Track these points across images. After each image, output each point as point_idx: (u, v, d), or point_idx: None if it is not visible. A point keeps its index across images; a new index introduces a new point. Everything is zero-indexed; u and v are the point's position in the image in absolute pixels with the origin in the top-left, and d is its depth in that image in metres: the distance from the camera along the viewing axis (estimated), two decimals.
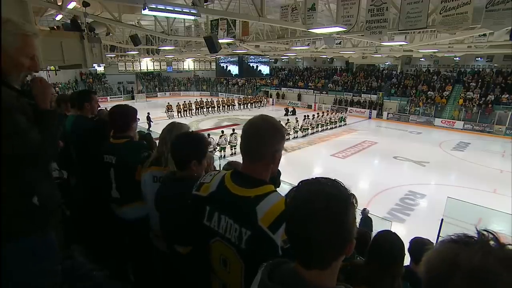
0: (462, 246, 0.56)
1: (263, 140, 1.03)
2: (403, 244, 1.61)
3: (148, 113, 18.84)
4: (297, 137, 16.73)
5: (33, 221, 1.11)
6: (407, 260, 1.84)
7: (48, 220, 1.17)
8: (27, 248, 1.09)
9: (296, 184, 0.74)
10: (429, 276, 0.59)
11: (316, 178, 0.73)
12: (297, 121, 17.13)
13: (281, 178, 2.12)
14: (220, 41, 8.88)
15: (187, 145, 1.52)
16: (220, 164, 5.52)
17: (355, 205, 0.69)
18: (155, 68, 34.43)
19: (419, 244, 2.27)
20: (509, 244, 0.55)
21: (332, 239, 0.67)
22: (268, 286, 0.73)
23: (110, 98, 29.96)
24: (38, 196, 1.11)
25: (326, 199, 0.66)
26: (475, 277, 0.53)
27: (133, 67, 32.67)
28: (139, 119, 2.34)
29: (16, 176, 1.05)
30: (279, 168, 1.87)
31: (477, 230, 0.58)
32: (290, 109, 24.43)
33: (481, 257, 0.53)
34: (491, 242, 0.56)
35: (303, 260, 0.71)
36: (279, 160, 1.10)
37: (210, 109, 24.85)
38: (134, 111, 2.19)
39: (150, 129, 17.41)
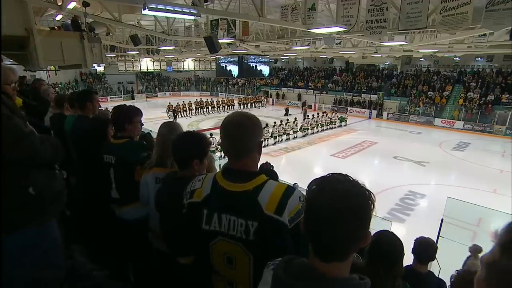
0: None
1: (247, 137, 1.07)
2: (402, 244, 1.61)
3: (173, 105, 20.76)
4: (296, 137, 16.72)
5: (29, 211, 1.07)
6: (407, 260, 1.84)
7: (46, 209, 1.14)
8: (25, 240, 1.06)
9: (313, 182, 0.74)
10: None
11: (333, 174, 0.74)
12: (295, 119, 17.08)
13: (281, 178, 2.13)
14: (220, 41, 8.87)
15: (189, 144, 1.52)
16: (220, 164, 5.50)
17: (373, 200, 0.71)
18: (155, 68, 34.45)
19: (423, 245, 2.27)
20: None
21: (357, 235, 0.69)
22: (285, 280, 0.71)
23: (110, 98, 29.94)
24: (33, 186, 1.07)
25: (352, 198, 0.68)
26: None
27: (133, 67, 32.71)
28: (142, 124, 2.31)
29: (7, 167, 1.01)
30: (276, 170, 1.90)
31: None
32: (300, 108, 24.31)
33: None
34: None
35: (324, 255, 0.71)
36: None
37: (210, 109, 24.85)
38: (130, 113, 2.11)
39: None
